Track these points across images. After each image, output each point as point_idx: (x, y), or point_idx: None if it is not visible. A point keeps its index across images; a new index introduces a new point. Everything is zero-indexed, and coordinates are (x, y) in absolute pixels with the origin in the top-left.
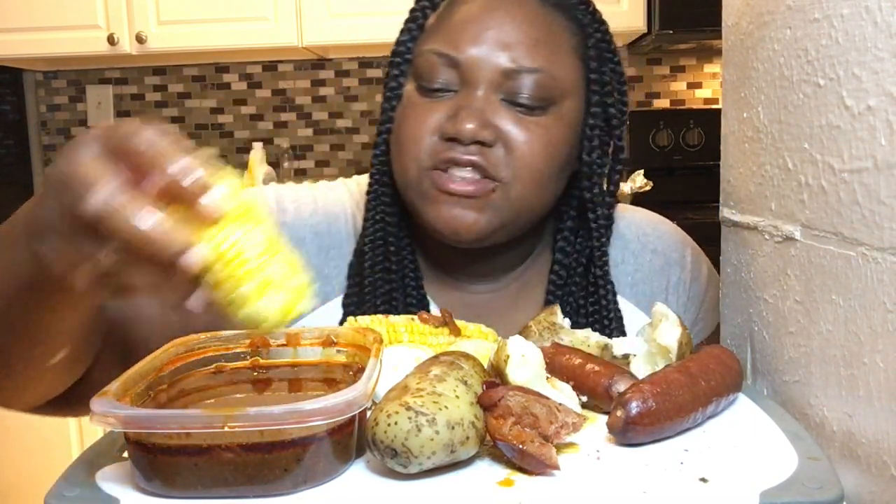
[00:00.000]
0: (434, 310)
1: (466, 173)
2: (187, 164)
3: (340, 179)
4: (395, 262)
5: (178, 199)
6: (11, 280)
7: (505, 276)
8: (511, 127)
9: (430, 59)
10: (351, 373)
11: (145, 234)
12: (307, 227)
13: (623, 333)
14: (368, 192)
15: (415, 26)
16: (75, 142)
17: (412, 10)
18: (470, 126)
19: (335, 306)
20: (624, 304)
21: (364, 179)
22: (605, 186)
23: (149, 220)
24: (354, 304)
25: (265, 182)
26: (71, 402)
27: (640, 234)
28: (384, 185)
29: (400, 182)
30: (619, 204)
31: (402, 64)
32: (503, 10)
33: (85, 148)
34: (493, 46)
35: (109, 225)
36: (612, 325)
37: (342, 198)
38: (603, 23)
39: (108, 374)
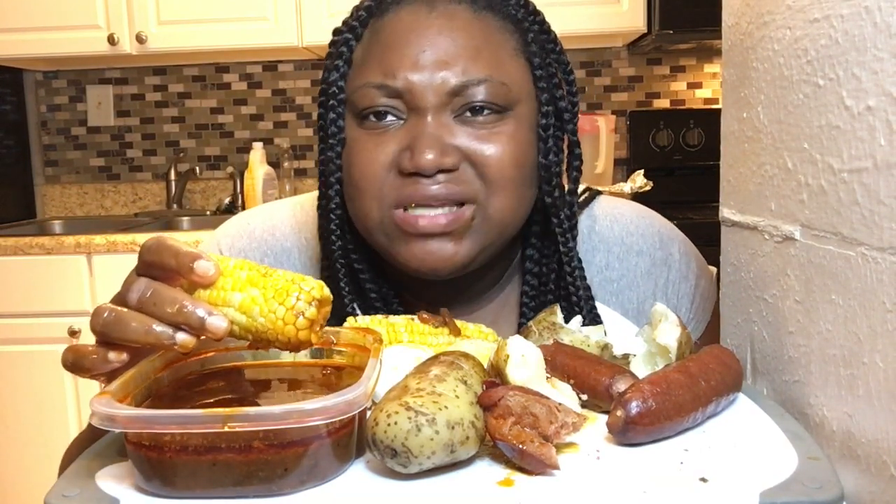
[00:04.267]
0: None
1: (436, 209)
2: (174, 252)
3: (278, 203)
4: (358, 295)
5: (187, 283)
6: None
7: (480, 299)
8: (472, 143)
9: (368, 93)
10: (326, 372)
11: (178, 309)
12: (265, 249)
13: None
14: (325, 239)
15: (342, 62)
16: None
17: (334, 44)
18: (429, 157)
19: None
20: (608, 312)
21: (307, 201)
22: (565, 186)
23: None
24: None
25: (265, 182)
26: None
27: (625, 235)
28: (341, 229)
29: (362, 226)
30: (602, 196)
31: (337, 106)
32: (435, 28)
33: (131, 273)
34: (433, 67)
35: (151, 308)
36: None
37: (286, 228)
38: (538, 14)
39: None
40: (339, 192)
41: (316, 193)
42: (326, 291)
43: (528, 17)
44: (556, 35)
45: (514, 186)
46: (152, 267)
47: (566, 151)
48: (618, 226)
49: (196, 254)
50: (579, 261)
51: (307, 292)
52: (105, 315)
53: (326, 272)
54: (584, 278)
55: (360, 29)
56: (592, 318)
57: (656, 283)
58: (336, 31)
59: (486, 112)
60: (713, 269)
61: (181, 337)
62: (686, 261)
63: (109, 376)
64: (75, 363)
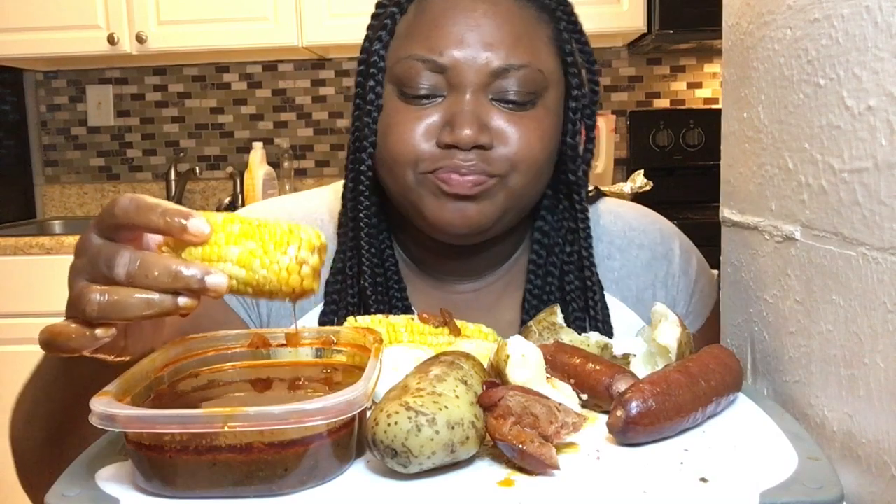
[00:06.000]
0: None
1: (467, 175)
2: (161, 211)
3: (316, 190)
4: (378, 265)
5: (174, 241)
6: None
7: (488, 275)
8: (506, 126)
9: (413, 65)
10: (326, 372)
11: (174, 276)
12: None
13: (609, 325)
14: (348, 201)
15: (385, 33)
16: (80, 240)
17: (378, 17)
18: (468, 132)
19: (312, 321)
20: (610, 299)
21: (340, 187)
22: (587, 165)
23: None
24: (330, 323)
25: (265, 182)
26: None
27: (627, 229)
28: (364, 195)
29: (393, 189)
30: (605, 197)
31: (377, 73)
32: (481, 11)
33: (89, 239)
34: (478, 47)
35: (144, 281)
36: (597, 306)
37: (319, 210)
38: (569, 5)
39: None
40: (371, 154)
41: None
42: (323, 238)
43: (560, 8)
44: (581, 26)
45: (537, 167)
46: (124, 228)
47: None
48: (621, 221)
49: (185, 210)
50: (591, 239)
51: (307, 241)
52: (97, 298)
53: (350, 242)
54: (594, 265)
55: (406, 4)
56: (601, 299)
57: (656, 275)
58: (379, 4)
59: (520, 97)
60: (715, 272)
61: (184, 301)
62: (686, 257)
63: (98, 352)
64: (59, 345)
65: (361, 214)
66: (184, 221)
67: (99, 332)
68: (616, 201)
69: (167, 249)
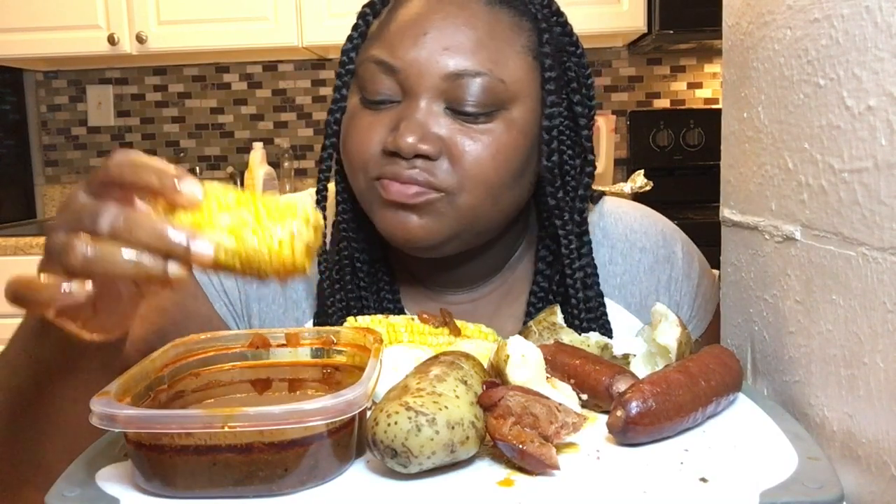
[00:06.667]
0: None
1: (407, 184)
2: (155, 169)
3: (308, 191)
4: (368, 274)
5: (165, 202)
6: (38, 367)
7: (483, 285)
8: (455, 137)
9: (370, 67)
10: (326, 372)
11: (159, 236)
12: None
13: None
14: (318, 203)
15: (356, 34)
16: (67, 196)
17: (357, 17)
18: (410, 140)
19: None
20: (612, 305)
21: (331, 188)
22: (576, 190)
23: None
24: (325, 323)
25: (265, 182)
26: None
27: (629, 232)
28: (344, 198)
29: (355, 191)
30: (606, 197)
31: (345, 75)
32: (443, 13)
33: (75, 195)
34: (432, 51)
35: (128, 237)
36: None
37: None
38: (561, 14)
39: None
40: (331, 154)
41: None
42: (320, 217)
43: (548, 17)
44: (577, 38)
45: (487, 187)
46: (114, 184)
47: (580, 156)
48: (622, 223)
49: (179, 171)
50: (594, 266)
51: (303, 216)
52: (83, 248)
53: (337, 254)
54: (597, 284)
55: (380, 6)
56: (601, 326)
57: (658, 280)
58: (363, 6)
59: (476, 108)
60: (715, 272)
61: (173, 269)
62: (689, 260)
63: (67, 312)
64: (26, 297)
65: (345, 216)
66: (177, 182)
67: (75, 285)
68: (617, 201)
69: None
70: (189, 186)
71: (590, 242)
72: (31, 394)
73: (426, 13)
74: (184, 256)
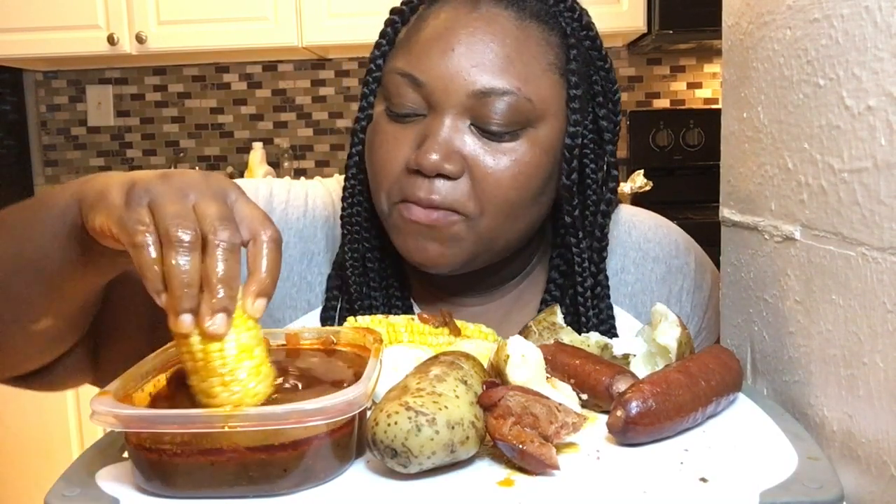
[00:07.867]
0: None
1: (429, 209)
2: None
3: (318, 179)
4: (379, 274)
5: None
6: (46, 241)
7: (497, 291)
8: (479, 157)
9: (395, 79)
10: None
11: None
12: (292, 230)
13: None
14: (344, 210)
15: (384, 42)
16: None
17: (385, 24)
18: (434, 157)
19: (314, 319)
20: (621, 314)
21: (342, 179)
22: (598, 205)
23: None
24: (331, 319)
25: None
26: (42, 378)
27: (642, 241)
28: (361, 206)
29: (377, 209)
30: (622, 205)
31: (372, 83)
32: (471, 27)
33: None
34: (460, 67)
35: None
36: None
37: (325, 201)
38: (591, 28)
39: (76, 362)
40: (357, 163)
41: None
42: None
43: (578, 31)
44: (606, 52)
45: (508, 209)
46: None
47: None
48: (636, 231)
49: (225, 293)
50: (606, 278)
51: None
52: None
53: (347, 254)
54: (608, 296)
55: (409, 14)
56: (608, 332)
57: (670, 290)
58: (391, 11)
59: (501, 127)
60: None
61: (186, 319)
62: (701, 271)
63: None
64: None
65: (359, 221)
66: (211, 306)
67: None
68: (632, 209)
69: None
70: (218, 322)
71: (606, 257)
72: (14, 256)
73: (454, 27)
74: (202, 310)
